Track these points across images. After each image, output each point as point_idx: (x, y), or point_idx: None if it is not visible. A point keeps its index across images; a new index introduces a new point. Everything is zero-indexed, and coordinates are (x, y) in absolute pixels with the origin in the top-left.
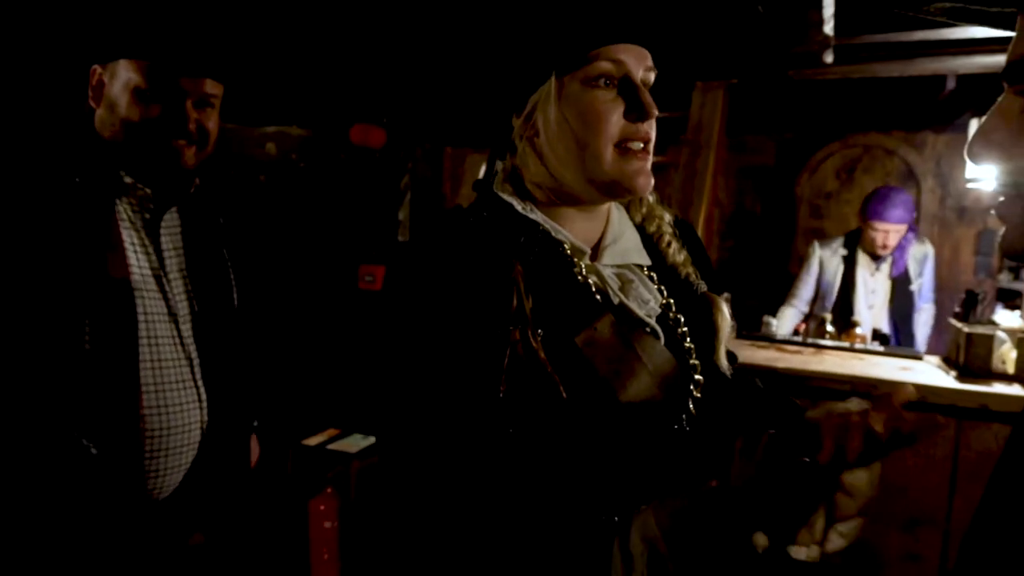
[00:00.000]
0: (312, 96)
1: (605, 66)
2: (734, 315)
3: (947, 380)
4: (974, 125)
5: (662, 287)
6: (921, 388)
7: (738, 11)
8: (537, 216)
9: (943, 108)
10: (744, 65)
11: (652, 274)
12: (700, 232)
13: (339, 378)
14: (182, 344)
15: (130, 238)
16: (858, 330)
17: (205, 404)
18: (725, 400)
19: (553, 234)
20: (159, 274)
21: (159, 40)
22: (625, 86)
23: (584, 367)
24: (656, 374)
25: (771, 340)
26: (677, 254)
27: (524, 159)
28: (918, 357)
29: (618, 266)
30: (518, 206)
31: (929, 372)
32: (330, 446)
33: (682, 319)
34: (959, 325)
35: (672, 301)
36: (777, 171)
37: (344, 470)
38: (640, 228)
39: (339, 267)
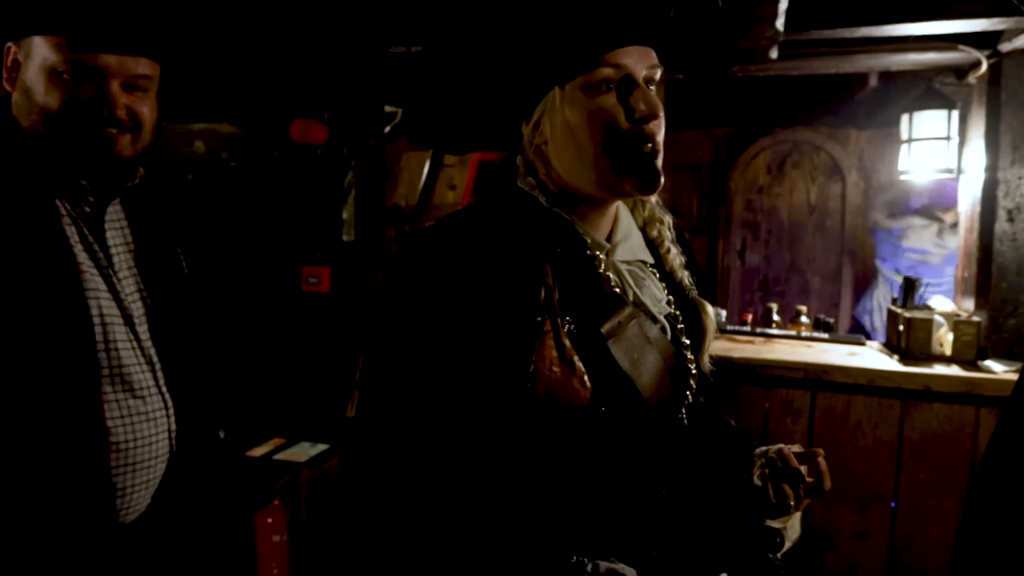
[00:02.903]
0: (243, 92)
1: (605, 71)
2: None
3: (892, 364)
4: (905, 121)
5: (663, 283)
6: (869, 372)
7: (695, 5)
8: (560, 211)
9: (866, 106)
10: (692, 61)
11: (655, 272)
12: None
13: (284, 385)
14: (140, 348)
15: (73, 235)
16: (803, 319)
17: (172, 411)
18: (709, 399)
19: (575, 227)
20: (108, 272)
21: (74, 11)
22: (625, 88)
23: (606, 357)
24: (666, 367)
25: (721, 331)
26: (675, 259)
27: (536, 163)
28: (861, 343)
29: (629, 263)
30: (542, 199)
31: (874, 357)
32: (277, 456)
33: (680, 316)
34: (899, 311)
35: (672, 299)
36: (711, 166)
37: (293, 480)
38: (642, 231)
39: (281, 268)
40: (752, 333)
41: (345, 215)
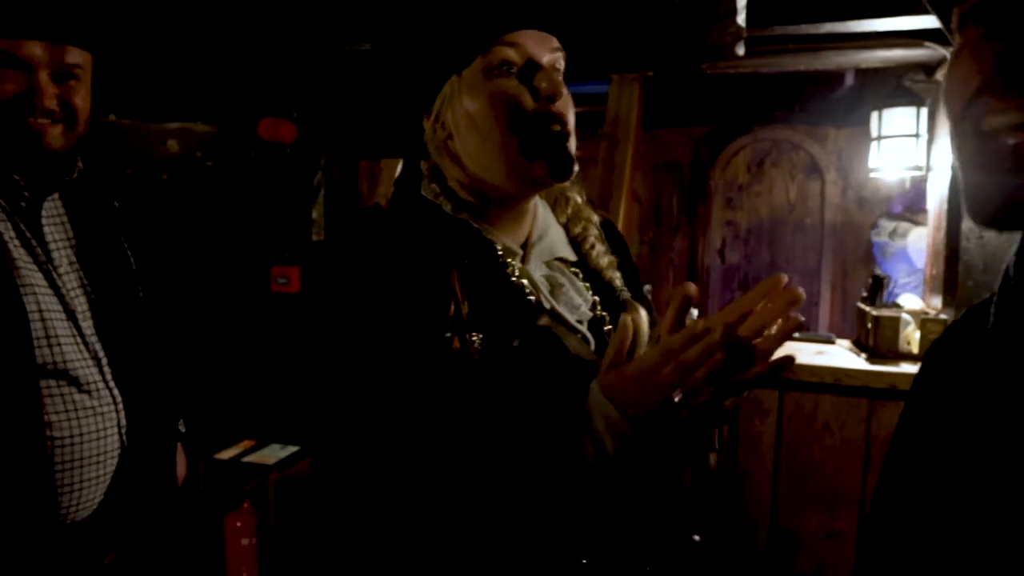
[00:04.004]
0: (217, 91)
1: (505, 51)
2: (653, 314)
3: (859, 362)
4: (875, 119)
5: (587, 283)
6: (836, 371)
7: (655, 3)
8: (466, 217)
9: (843, 104)
10: (659, 57)
11: (577, 271)
12: (620, 226)
13: (253, 386)
14: (85, 343)
15: (8, 230)
16: None
17: (121, 406)
18: None
19: (484, 234)
20: (47, 268)
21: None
22: (528, 71)
23: (520, 372)
24: (588, 379)
25: None
26: (601, 257)
27: (442, 162)
28: (830, 341)
29: (548, 265)
30: (447, 207)
31: (842, 355)
32: (246, 459)
33: (607, 317)
34: (868, 309)
35: (598, 299)
36: (691, 165)
37: (262, 483)
38: (565, 228)
39: (250, 268)
40: None
41: (315, 214)
